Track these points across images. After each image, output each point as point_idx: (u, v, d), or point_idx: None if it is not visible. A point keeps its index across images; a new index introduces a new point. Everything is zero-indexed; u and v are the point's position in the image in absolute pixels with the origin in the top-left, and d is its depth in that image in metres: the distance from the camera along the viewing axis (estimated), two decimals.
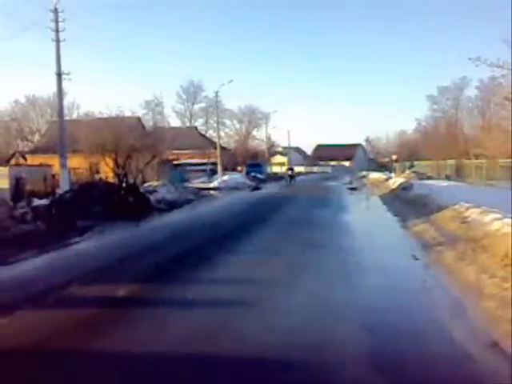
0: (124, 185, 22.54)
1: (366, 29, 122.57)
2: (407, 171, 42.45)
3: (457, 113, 53.47)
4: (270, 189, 36.36)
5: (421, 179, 32.64)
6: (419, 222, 14.39)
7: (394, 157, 59.24)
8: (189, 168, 44.51)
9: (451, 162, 38.76)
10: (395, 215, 16.99)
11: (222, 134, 64.51)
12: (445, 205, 15.04)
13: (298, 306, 6.81)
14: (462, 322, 5.92)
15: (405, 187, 25.21)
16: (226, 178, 40.19)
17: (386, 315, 6.31)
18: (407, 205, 19.66)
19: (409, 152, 61.42)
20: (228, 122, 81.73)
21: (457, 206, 14.06)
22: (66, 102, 56.05)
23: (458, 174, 35.61)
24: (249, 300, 7.00)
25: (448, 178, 35.02)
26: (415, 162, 50.64)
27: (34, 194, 22.18)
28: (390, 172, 50.49)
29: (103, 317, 6.48)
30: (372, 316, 6.23)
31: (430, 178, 36.13)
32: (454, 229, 12.09)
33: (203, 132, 72.13)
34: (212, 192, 31.86)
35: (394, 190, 27.65)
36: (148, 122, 40.29)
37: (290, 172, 45.96)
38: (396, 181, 32.77)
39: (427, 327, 5.84)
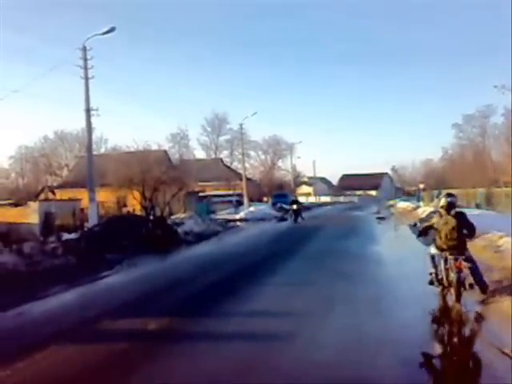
0: (152, 217, 22.70)
1: (390, 57, 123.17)
2: (435, 200, 41.79)
3: (484, 140, 53.00)
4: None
5: None
6: None
7: (422, 185, 58.45)
8: (215, 200, 44.69)
9: (481, 190, 38.07)
10: (427, 245, 16.54)
11: (247, 165, 64.88)
12: (476, 234, 14.66)
13: (329, 342, 6.61)
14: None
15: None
16: (252, 209, 40.20)
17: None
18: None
19: (436, 180, 60.72)
20: (253, 153, 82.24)
21: (489, 235, 13.73)
22: (93, 137, 57.37)
23: (488, 202, 34.89)
24: (278, 334, 6.88)
25: (478, 206, 34.33)
26: (443, 191, 49.86)
27: (64, 229, 22.46)
28: (418, 201, 49.85)
29: (134, 351, 6.45)
30: (410, 352, 6.03)
31: (459, 206, 35.40)
32: (487, 258, 11.78)
33: (228, 164, 72.68)
34: (239, 223, 31.84)
35: (422, 218, 27.19)
36: (174, 155, 40.88)
37: (294, 206, 33.05)
38: (425, 210, 32.27)
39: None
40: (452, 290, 8.06)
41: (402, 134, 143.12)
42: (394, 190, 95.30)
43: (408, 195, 77.03)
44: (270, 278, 11.51)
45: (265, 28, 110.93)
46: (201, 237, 21.78)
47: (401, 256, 14.94)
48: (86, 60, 24.21)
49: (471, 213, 24.02)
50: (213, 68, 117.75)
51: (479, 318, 7.51)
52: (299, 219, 32.23)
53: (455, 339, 6.88)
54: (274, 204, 51.10)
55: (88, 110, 24.33)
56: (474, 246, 13.38)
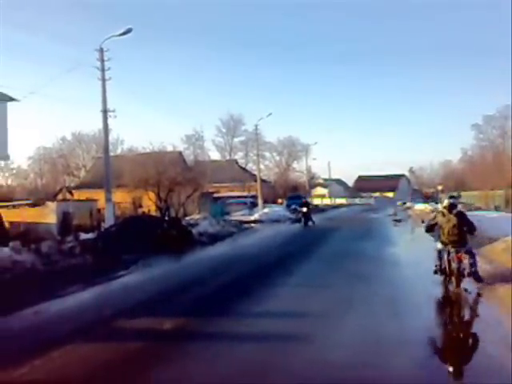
0: (167, 218, 22.82)
1: (408, 57, 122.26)
2: None
3: (504, 142, 52.32)
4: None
5: (469, 210, 31.71)
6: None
7: (440, 187, 57.93)
8: (229, 201, 44.75)
9: (500, 192, 37.63)
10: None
11: (261, 166, 65.03)
12: (496, 236, 14.56)
13: (344, 344, 6.60)
14: None
15: None
16: (266, 210, 40.16)
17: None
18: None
19: (455, 182, 60.15)
20: (268, 154, 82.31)
21: (508, 238, 13.58)
22: (110, 138, 57.85)
23: (508, 204, 34.48)
24: (292, 336, 6.87)
25: (497, 208, 33.95)
26: (462, 193, 49.43)
27: (81, 228, 22.64)
28: (436, 203, 49.43)
29: (150, 351, 6.45)
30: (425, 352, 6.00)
31: (478, 208, 35.12)
32: (506, 261, 11.66)
33: (243, 165, 72.75)
34: (253, 225, 31.83)
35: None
36: (189, 156, 41.08)
37: (304, 209, 30.41)
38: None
39: None
40: (453, 278, 9.40)
41: (420, 134, 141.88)
42: (411, 192, 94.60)
43: (426, 197, 76.44)
44: (284, 279, 11.49)
45: (280, 28, 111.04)
46: (215, 238, 21.81)
47: (415, 257, 14.83)
48: (102, 61, 24.38)
49: (490, 215, 23.90)
50: (228, 69, 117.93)
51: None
52: (310, 223, 29.72)
53: (456, 319, 8.19)
54: (288, 206, 51.04)
55: (105, 112, 24.51)
56: (493, 249, 13.37)
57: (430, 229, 10.35)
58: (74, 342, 6.76)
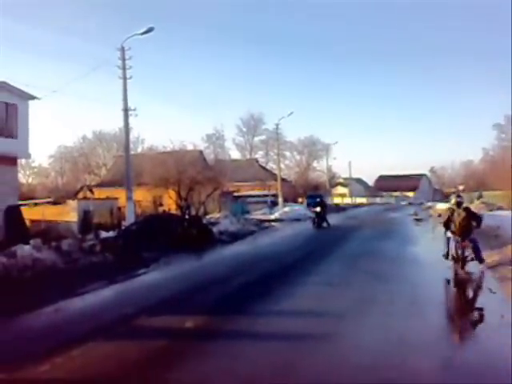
0: (187, 217, 22.81)
1: (431, 56, 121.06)
2: (476, 202, 40.77)
3: None
4: (331, 220, 35.78)
5: (490, 210, 31.21)
6: (491, 254, 13.60)
7: (461, 187, 57.19)
8: (250, 200, 44.70)
9: None
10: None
11: (282, 165, 64.83)
12: None
13: (368, 343, 6.45)
14: None
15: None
16: (287, 209, 40.01)
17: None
18: (477, 236, 18.76)
19: (476, 182, 59.30)
20: (288, 153, 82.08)
21: None
22: (131, 137, 58.20)
23: None
24: (315, 335, 6.77)
25: None
26: (484, 193, 48.68)
27: (101, 227, 22.76)
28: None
29: (171, 349, 6.40)
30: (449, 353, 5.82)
31: (500, 208, 34.49)
32: None
33: (263, 164, 72.66)
34: (273, 223, 31.71)
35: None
36: (209, 155, 41.16)
37: (318, 208, 27.69)
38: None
39: None
40: (459, 262, 11.49)
41: (442, 134, 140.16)
42: (432, 192, 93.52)
43: (447, 197, 75.53)
44: (304, 277, 11.38)
45: (303, 26, 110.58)
46: (235, 236, 21.75)
47: (436, 257, 14.56)
48: (124, 60, 24.47)
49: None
50: (250, 68, 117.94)
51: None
52: (324, 224, 27.17)
53: (462, 292, 10.27)
54: (308, 205, 50.81)
55: (126, 110, 24.60)
56: None
57: (447, 223, 11.97)
58: (94, 339, 6.70)
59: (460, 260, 11.41)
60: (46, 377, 5.44)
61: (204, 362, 5.80)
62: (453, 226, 11.74)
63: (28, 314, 8.37)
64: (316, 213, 27.88)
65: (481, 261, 11.46)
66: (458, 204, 12.01)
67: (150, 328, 7.44)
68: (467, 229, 11.52)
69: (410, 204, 68.74)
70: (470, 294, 10.19)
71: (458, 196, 12.82)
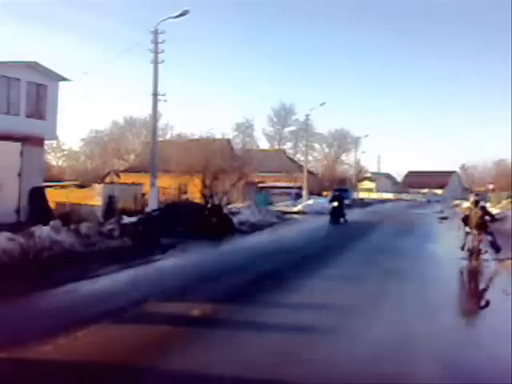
0: (209, 205, 22.88)
1: (464, 54, 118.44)
2: (503, 202, 39.90)
3: None
4: (355, 214, 35.52)
5: None
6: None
7: (491, 186, 55.94)
8: (274, 191, 44.58)
9: None
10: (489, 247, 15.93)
11: (310, 158, 64.56)
12: None
13: (375, 337, 6.40)
14: None
15: (500, 218, 23.63)
16: (310, 202, 39.79)
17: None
18: (502, 236, 18.45)
19: (506, 182, 57.90)
20: (317, 146, 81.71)
21: None
22: (160, 124, 58.71)
23: None
24: (325, 328, 6.77)
25: None
26: None
27: (125, 212, 22.95)
28: (485, 202, 47.75)
29: (175, 336, 6.45)
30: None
31: None
32: None
33: (291, 155, 72.41)
34: (296, 216, 31.59)
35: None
36: (237, 145, 41.14)
37: (335, 203, 26.07)
38: (491, 211, 30.81)
39: None
40: (474, 254, 12.83)
41: (474, 131, 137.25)
42: (461, 190, 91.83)
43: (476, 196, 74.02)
44: (321, 271, 11.40)
45: (337, 16, 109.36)
46: (255, 227, 21.74)
47: (457, 256, 14.36)
48: (156, 43, 24.41)
49: None
50: (283, 57, 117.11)
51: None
52: (341, 220, 25.38)
53: (475, 280, 11.85)
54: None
55: (155, 95, 24.65)
56: None
57: (465, 219, 13.43)
58: (102, 322, 6.78)
59: (475, 252, 12.82)
60: (48, 357, 5.52)
61: (211, 349, 5.86)
62: (471, 223, 13.11)
63: (38, 294, 8.53)
64: (333, 207, 26.11)
65: (498, 250, 13.28)
66: (476, 203, 13.52)
67: (158, 314, 7.51)
68: (483, 225, 13.10)
69: (428, 201, 68.04)
70: (481, 281, 11.75)
71: (477, 195, 14.77)
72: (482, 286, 11.23)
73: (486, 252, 13.04)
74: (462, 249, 13.23)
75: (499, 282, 10.95)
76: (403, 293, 9.38)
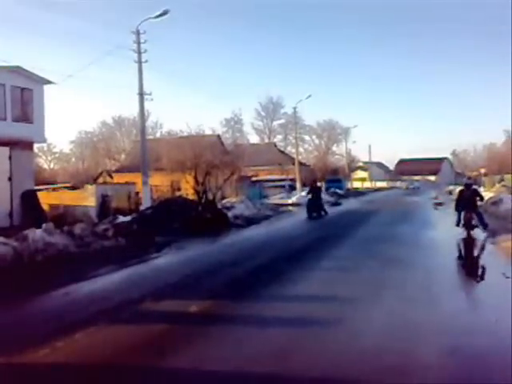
0: (203, 201, 22.79)
1: (450, 40, 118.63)
2: (497, 185, 40.07)
3: None
4: (350, 204, 35.59)
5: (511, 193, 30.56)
6: (510, 237, 13.47)
7: (483, 170, 56.17)
8: (267, 184, 44.55)
9: None
10: (483, 231, 16.02)
11: (301, 149, 64.60)
12: None
13: (375, 327, 6.35)
14: None
15: (494, 202, 23.71)
16: (304, 193, 39.71)
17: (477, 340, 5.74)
18: (497, 220, 18.52)
19: (498, 165, 58.16)
20: (307, 137, 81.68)
21: None
22: (149, 122, 58.59)
23: None
24: (322, 320, 6.66)
25: None
26: (506, 176, 47.79)
27: (119, 211, 22.84)
28: (479, 186, 47.95)
29: (173, 333, 6.35)
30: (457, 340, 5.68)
31: None
32: None
33: (282, 148, 72.34)
34: (290, 208, 31.57)
35: (482, 204, 26.08)
36: (228, 140, 40.96)
37: (310, 195, 24.88)
38: (485, 195, 30.93)
39: None
40: (466, 228, 15.00)
41: (463, 117, 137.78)
42: (454, 175, 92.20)
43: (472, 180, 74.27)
44: (318, 262, 11.30)
45: (319, 8, 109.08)
46: (251, 221, 21.67)
47: (454, 241, 14.39)
48: (139, 44, 24.40)
49: None
50: (267, 51, 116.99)
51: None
52: (322, 213, 23.97)
53: (468, 249, 13.73)
54: (327, 189, 50.53)
55: (141, 94, 24.60)
56: None
57: (458, 200, 15.85)
58: (98, 323, 6.69)
59: (468, 227, 14.89)
60: (46, 360, 5.43)
61: (210, 345, 5.75)
62: (463, 203, 15.33)
63: (35, 297, 8.43)
64: (308, 200, 24.70)
65: (485, 226, 15.25)
66: (467, 186, 16.08)
67: (156, 312, 7.40)
68: (473, 204, 15.29)
69: (414, 189, 68.79)
70: (475, 249, 13.69)
71: (469, 178, 18.67)
72: (476, 251, 13.36)
73: (477, 226, 15.14)
74: (457, 225, 15.38)
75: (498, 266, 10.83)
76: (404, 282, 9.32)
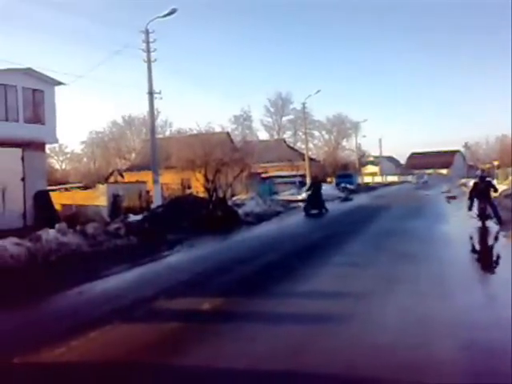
0: (213, 199, 22.84)
1: (460, 34, 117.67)
2: (510, 178, 39.70)
3: None
4: (361, 199, 35.47)
5: None
6: None
7: (496, 163, 55.68)
8: (277, 180, 44.52)
9: None
10: (497, 224, 15.92)
11: (310, 145, 64.29)
12: None
13: (388, 323, 6.35)
14: None
15: (507, 194, 23.51)
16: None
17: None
18: (510, 213, 18.37)
19: (511, 157, 57.57)
20: (316, 133, 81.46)
21: None
22: (159, 121, 58.77)
23: None
24: (336, 316, 6.65)
25: None
26: None
27: (131, 210, 22.99)
28: (492, 179, 47.52)
29: (187, 331, 6.39)
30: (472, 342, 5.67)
31: None
32: None
33: (291, 144, 72.21)
34: (301, 204, 31.45)
35: (495, 197, 25.88)
36: (237, 137, 40.99)
37: (310, 191, 24.42)
38: (498, 188, 30.69)
39: None
40: (482, 218, 15.63)
41: (475, 109, 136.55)
42: (466, 168, 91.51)
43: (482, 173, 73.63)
44: (328, 258, 11.29)
45: (327, 7, 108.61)
46: (261, 218, 21.67)
47: (467, 236, 14.30)
48: (148, 43, 24.47)
49: None
50: (276, 47, 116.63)
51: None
52: (323, 211, 23.07)
53: (483, 237, 14.43)
54: (337, 184, 50.41)
55: (151, 93, 24.68)
56: None
57: (472, 191, 16.36)
58: (114, 322, 6.74)
59: (482, 217, 15.55)
60: (62, 359, 5.49)
61: (218, 345, 5.77)
62: (477, 194, 15.90)
63: (50, 297, 8.53)
64: (308, 196, 24.08)
65: (499, 219, 15.52)
66: (481, 178, 16.60)
67: (169, 310, 7.44)
68: (487, 195, 15.84)
69: (423, 183, 68.28)
70: (488, 238, 14.32)
71: (483, 171, 18.74)
72: (490, 240, 14.09)
73: (491, 217, 15.55)
74: (469, 210, 16.25)
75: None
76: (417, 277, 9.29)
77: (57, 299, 8.48)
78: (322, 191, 25.12)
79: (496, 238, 13.93)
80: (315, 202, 23.50)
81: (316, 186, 24.48)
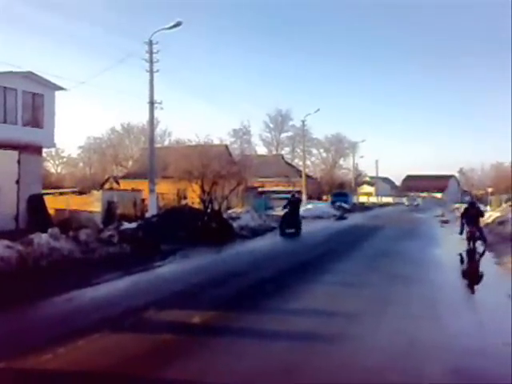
0: (209, 211, 22.77)
1: (458, 56, 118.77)
2: (503, 205, 39.80)
3: None
4: (355, 219, 35.47)
5: None
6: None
7: (490, 189, 55.94)
8: (273, 196, 44.51)
9: None
10: (490, 251, 16.00)
11: (308, 162, 64.62)
12: None
13: (379, 346, 6.29)
14: None
15: (501, 221, 23.60)
16: (310, 206, 39.67)
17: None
18: (503, 240, 18.42)
19: (505, 185, 57.91)
20: (314, 151, 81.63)
21: None
22: (158, 130, 58.78)
23: None
24: (326, 335, 6.61)
25: None
26: None
27: (125, 218, 22.86)
28: (486, 205, 47.69)
29: (175, 344, 6.31)
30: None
31: None
32: None
33: (289, 160, 72.36)
34: None
35: (488, 224, 25.94)
36: (235, 150, 41.03)
37: (287, 209, 22.77)
38: (491, 215, 30.76)
39: None
40: (470, 240, 16.39)
41: (471, 135, 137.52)
42: (460, 194, 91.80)
43: (476, 199, 73.96)
44: (322, 276, 11.27)
45: (329, 23, 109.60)
46: (256, 232, 21.60)
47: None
48: (151, 54, 24.57)
49: None
50: (278, 64, 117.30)
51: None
52: (297, 230, 21.59)
53: (471, 259, 14.90)
54: (333, 202, 50.43)
55: (152, 103, 24.72)
56: None
57: (463, 215, 17.24)
58: (102, 331, 6.65)
59: (471, 239, 16.34)
60: (48, 366, 5.41)
61: (206, 359, 5.70)
62: (467, 218, 16.74)
63: (38, 303, 8.42)
64: (284, 214, 22.58)
65: (485, 240, 16.93)
66: (471, 204, 17.84)
67: (158, 322, 7.36)
68: (476, 220, 16.74)
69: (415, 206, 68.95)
70: (476, 258, 15.13)
71: (472, 197, 23.08)
72: (477, 258, 15.15)
73: (480, 239, 16.61)
74: (460, 233, 17.16)
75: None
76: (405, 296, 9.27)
77: (45, 305, 8.37)
78: (317, 209, 25.08)
79: (482, 255, 15.50)
80: (291, 220, 22.10)
81: (295, 203, 23.19)
